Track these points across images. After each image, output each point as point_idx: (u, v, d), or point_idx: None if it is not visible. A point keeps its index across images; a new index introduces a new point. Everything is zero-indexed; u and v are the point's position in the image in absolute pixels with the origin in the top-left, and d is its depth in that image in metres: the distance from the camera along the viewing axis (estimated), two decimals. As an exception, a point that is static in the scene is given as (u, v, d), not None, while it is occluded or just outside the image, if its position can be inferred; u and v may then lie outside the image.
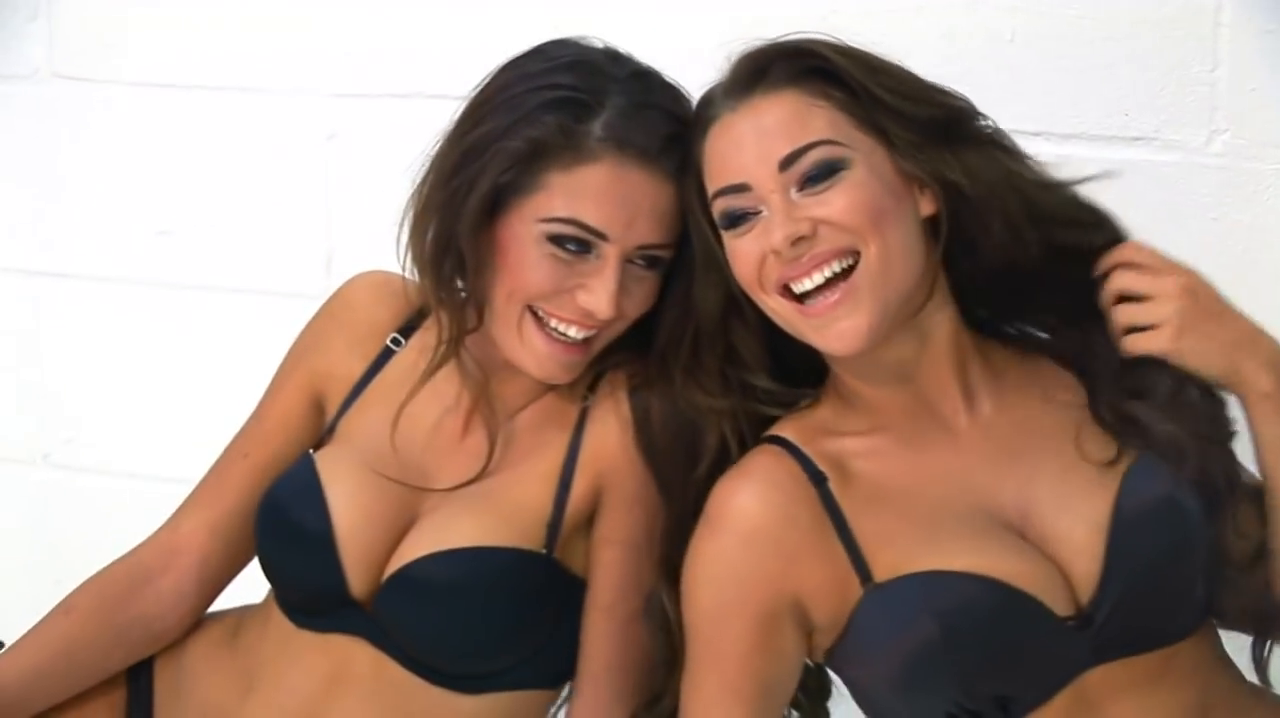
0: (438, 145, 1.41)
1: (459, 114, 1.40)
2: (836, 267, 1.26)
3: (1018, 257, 1.30)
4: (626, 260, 1.35)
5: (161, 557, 1.53)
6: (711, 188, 1.31)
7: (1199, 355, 1.27)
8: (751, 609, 1.28)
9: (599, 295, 1.33)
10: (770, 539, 1.28)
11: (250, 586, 1.55)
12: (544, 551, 1.38)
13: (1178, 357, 1.27)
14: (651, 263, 1.37)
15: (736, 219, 1.29)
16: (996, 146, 1.32)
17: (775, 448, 1.33)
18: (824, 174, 1.25)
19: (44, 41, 2.18)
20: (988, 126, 1.33)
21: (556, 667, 1.42)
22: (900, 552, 1.26)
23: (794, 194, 1.26)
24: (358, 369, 1.51)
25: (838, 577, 1.27)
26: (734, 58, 1.34)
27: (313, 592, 1.42)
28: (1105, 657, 1.24)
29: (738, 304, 1.35)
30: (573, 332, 1.37)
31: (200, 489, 1.56)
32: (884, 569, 1.26)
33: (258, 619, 1.50)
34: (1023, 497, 1.29)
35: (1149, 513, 1.25)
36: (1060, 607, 1.23)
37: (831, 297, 1.26)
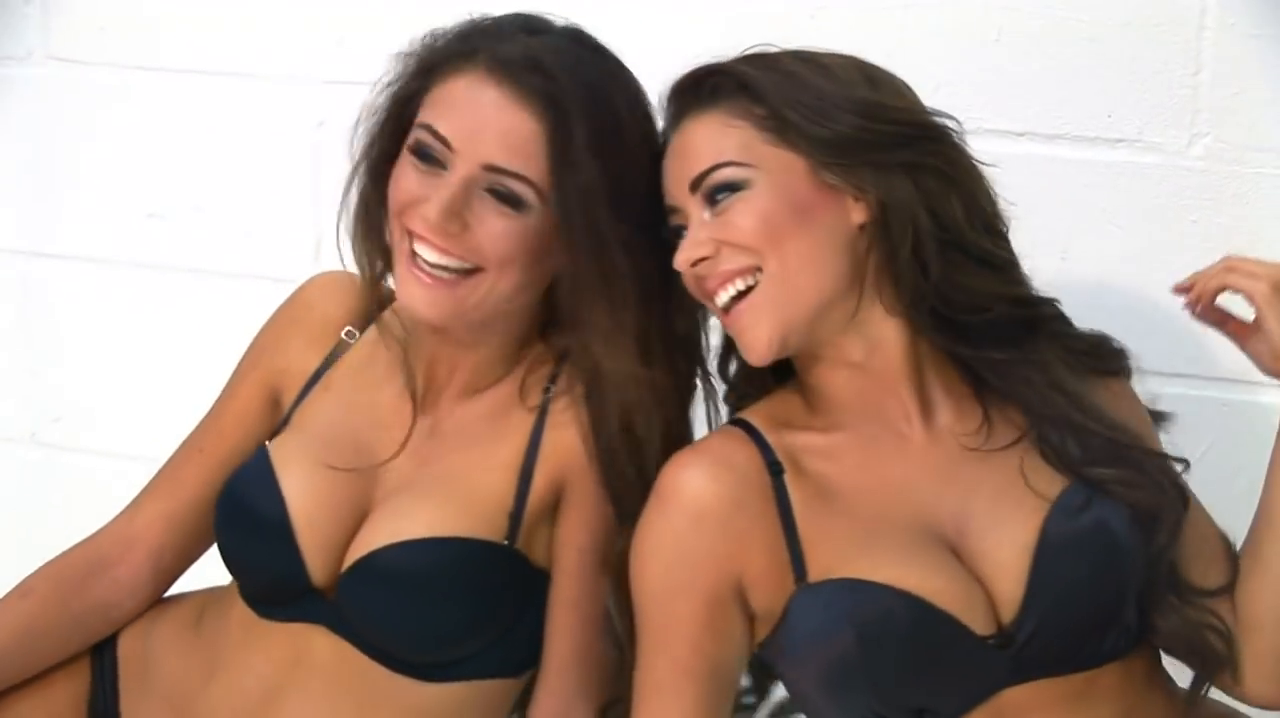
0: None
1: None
2: (740, 284, 1.31)
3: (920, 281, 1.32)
4: (479, 187, 1.35)
5: (119, 546, 1.55)
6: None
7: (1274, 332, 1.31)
8: (700, 590, 1.30)
9: (432, 202, 1.33)
10: (719, 521, 1.30)
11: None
12: (505, 542, 1.39)
13: (1264, 311, 1.31)
14: (505, 198, 1.35)
15: (676, 235, 1.35)
16: (933, 172, 1.31)
17: (739, 431, 1.36)
18: (725, 192, 1.30)
19: (39, 25, 2.19)
20: (933, 152, 1.32)
21: (519, 656, 1.44)
22: (835, 555, 1.29)
23: (705, 214, 1.31)
24: (313, 363, 1.52)
25: (777, 569, 1.30)
26: (679, 75, 1.37)
27: (273, 580, 1.43)
28: (1026, 676, 1.26)
29: None
30: (426, 252, 1.36)
31: (156, 482, 1.58)
32: (817, 570, 1.29)
33: (221, 606, 1.51)
34: (961, 513, 1.31)
35: (1076, 538, 1.28)
36: (980, 626, 1.26)
37: (741, 308, 1.31)
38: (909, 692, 1.27)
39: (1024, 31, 1.81)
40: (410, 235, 1.36)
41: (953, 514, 1.32)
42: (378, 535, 1.39)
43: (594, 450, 1.40)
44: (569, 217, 1.35)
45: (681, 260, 1.32)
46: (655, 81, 1.43)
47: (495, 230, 1.35)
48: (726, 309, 1.32)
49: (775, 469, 1.33)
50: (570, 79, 1.35)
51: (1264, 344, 1.33)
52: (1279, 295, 1.30)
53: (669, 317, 1.41)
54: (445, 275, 1.36)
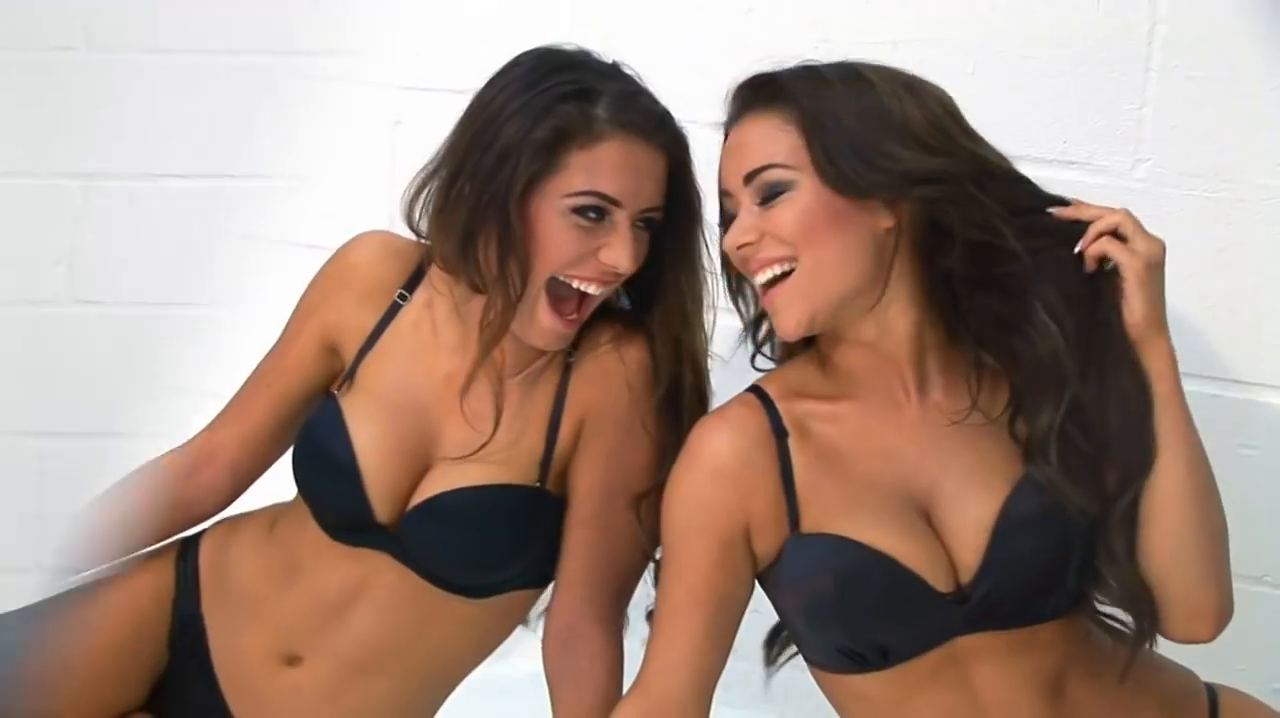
0: (450, 153, 1.57)
1: (471, 125, 1.56)
2: (778, 269, 1.46)
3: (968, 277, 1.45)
4: (632, 224, 1.54)
5: (202, 455, 1.74)
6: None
7: (1142, 302, 1.41)
8: (713, 532, 1.47)
9: (620, 252, 1.53)
10: (732, 477, 1.47)
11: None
12: (537, 484, 1.60)
13: (1132, 287, 1.40)
14: (648, 224, 1.57)
15: (725, 218, 1.52)
16: (948, 201, 1.42)
17: (754, 399, 1.51)
18: (773, 193, 1.44)
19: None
20: (940, 186, 1.42)
21: (546, 571, 1.63)
22: (825, 512, 1.45)
23: (754, 205, 1.46)
24: (369, 322, 1.67)
25: (776, 517, 1.47)
26: (743, 76, 1.51)
27: (342, 515, 1.62)
28: (977, 628, 1.42)
29: None
30: (592, 289, 1.55)
31: (231, 407, 1.76)
32: (809, 523, 1.46)
33: (293, 521, 1.68)
34: (935, 484, 1.46)
35: (1030, 519, 1.42)
36: (941, 584, 1.42)
37: (775, 291, 1.47)
38: (875, 632, 1.43)
39: (995, 67, 2.01)
40: (568, 276, 1.54)
41: (928, 484, 1.46)
42: (436, 487, 1.59)
43: (663, 386, 1.59)
44: (684, 228, 1.60)
45: (729, 243, 1.47)
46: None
47: (640, 256, 1.57)
48: (765, 288, 1.46)
49: (780, 434, 1.48)
50: (676, 124, 1.59)
51: (1129, 310, 1.42)
52: (1150, 275, 1.40)
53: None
54: (588, 299, 1.57)
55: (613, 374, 1.61)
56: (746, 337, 1.61)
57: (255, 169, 2.46)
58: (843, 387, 1.52)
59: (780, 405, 1.50)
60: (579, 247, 1.53)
